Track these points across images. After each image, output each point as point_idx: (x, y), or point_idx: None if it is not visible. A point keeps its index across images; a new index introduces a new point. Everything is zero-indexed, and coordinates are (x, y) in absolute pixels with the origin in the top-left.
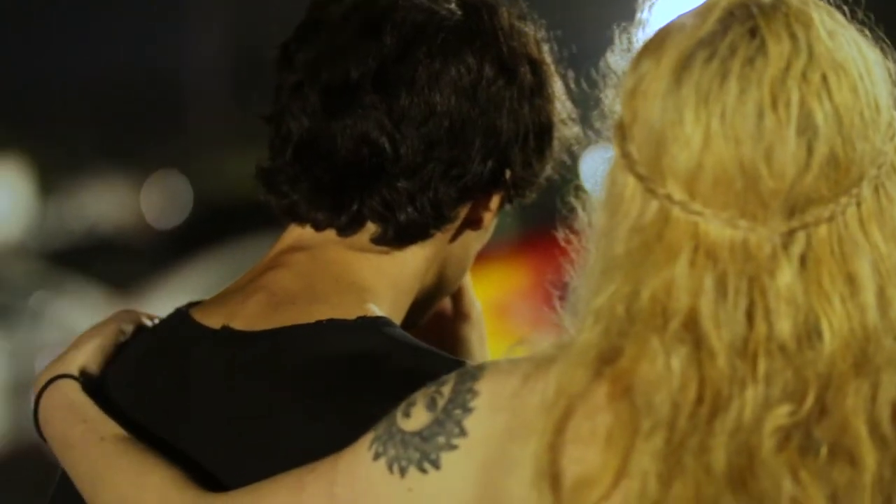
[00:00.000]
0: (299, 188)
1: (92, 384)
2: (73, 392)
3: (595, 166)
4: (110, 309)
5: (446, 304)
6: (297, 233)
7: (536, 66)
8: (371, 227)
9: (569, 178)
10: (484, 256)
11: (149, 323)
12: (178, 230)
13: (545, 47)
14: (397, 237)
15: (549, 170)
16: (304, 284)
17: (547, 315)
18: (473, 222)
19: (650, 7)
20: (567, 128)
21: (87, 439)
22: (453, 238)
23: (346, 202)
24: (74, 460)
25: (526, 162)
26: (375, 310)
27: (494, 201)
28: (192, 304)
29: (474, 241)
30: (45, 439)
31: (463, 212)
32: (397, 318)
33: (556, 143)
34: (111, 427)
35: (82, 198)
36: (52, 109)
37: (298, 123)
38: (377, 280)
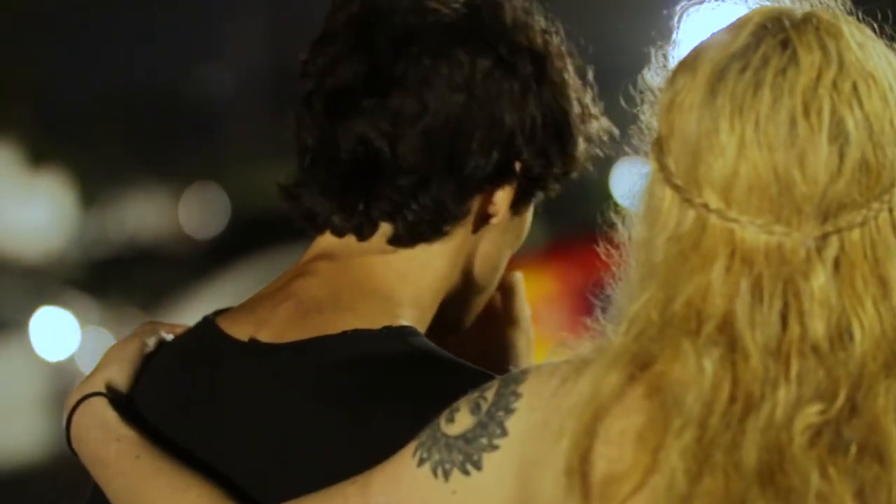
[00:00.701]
0: (312, 194)
1: (121, 400)
2: (104, 410)
3: (625, 180)
4: (147, 317)
5: (496, 306)
6: (324, 242)
7: (540, 59)
8: (386, 229)
9: (597, 189)
10: (512, 265)
11: (170, 336)
12: (215, 240)
13: (556, 41)
14: (410, 236)
15: (577, 165)
16: (330, 292)
17: (574, 321)
18: (487, 216)
19: (684, 27)
20: (591, 123)
21: (121, 458)
22: (476, 235)
23: (353, 204)
24: (109, 478)
25: (539, 153)
26: (401, 317)
27: (506, 194)
28: (219, 312)
29: (502, 237)
30: (77, 456)
31: (473, 206)
32: (424, 320)
33: (578, 136)
34: (145, 445)
35: (122, 209)
36: (92, 123)
37: (310, 133)
38: (400, 284)
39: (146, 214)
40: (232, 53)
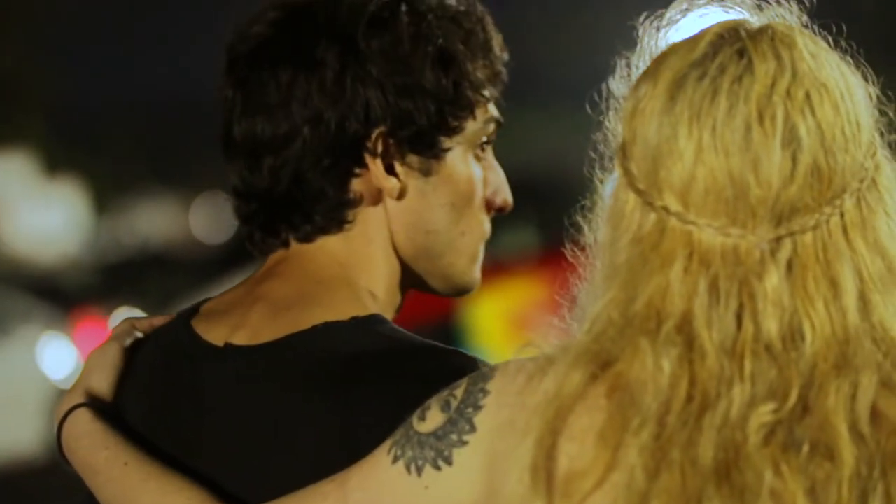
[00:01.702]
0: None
1: (106, 407)
2: (90, 421)
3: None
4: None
5: None
6: (276, 253)
7: (351, 41)
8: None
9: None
10: (505, 272)
11: (141, 334)
12: (223, 246)
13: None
14: (322, 233)
15: (463, 103)
16: (296, 290)
17: (561, 326)
18: (383, 189)
19: (650, 38)
20: (466, 66)
21: (111, 466)
22: (386, 209)
23: (276, 230)
24: (100, 485)
25: (395, 117)
26: (366, 305)
27: (378, 166)
28: (193, 312)
29: (422, 200)
30: (69, 464)
31: (357, 188)
32: (390, 304)
33: (439, 84)
34: (133, 452)
35: (134, 215)
36: (106, 133)
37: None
38: (350, 273)
39: (157, 221)
40: None
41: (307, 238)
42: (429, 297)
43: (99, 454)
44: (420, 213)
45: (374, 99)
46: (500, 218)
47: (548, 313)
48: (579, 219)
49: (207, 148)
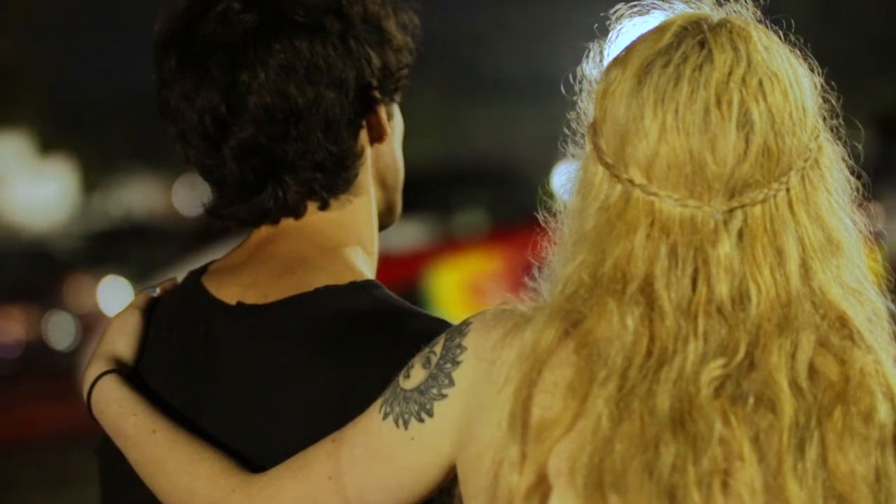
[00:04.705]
0: (231, 205)
1: (129, 372)
2: (118, 388)
3: (563, 177)
4: (140, 283)
5: None
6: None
7: (343, 13)
8: (312, 203)
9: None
10: (461, 247)
11: (159, 292)
12: (198, 219)
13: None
14: (334, 196)
15: (405, 52)
16: (298, 254)
17: (514, 293)
18: (379, 137)
19: (620, 29)
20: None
21: (139, 432)
22: (375, 156)
23: (273, 202)
24: (129, 448)
25: (381, 73)
26: (362, 269)
27: (380, 115)
28: (203, 271)
29: (393, 141)
30: (99, 424)
31: (363, 140)
32: (376, 246)
33: (394, 41)
34: (160, 419)
35: (120, 192)
36: (95, 116)
37: (198, 158)
38: (346, 235)
39: (141, 198)
40: None
41: (324, 204)
42: (394, 267)
43: (127, 420)
44: (391, 153)
45: (371, 55)
46: (457, 200)
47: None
48: (549, 205)
49: None
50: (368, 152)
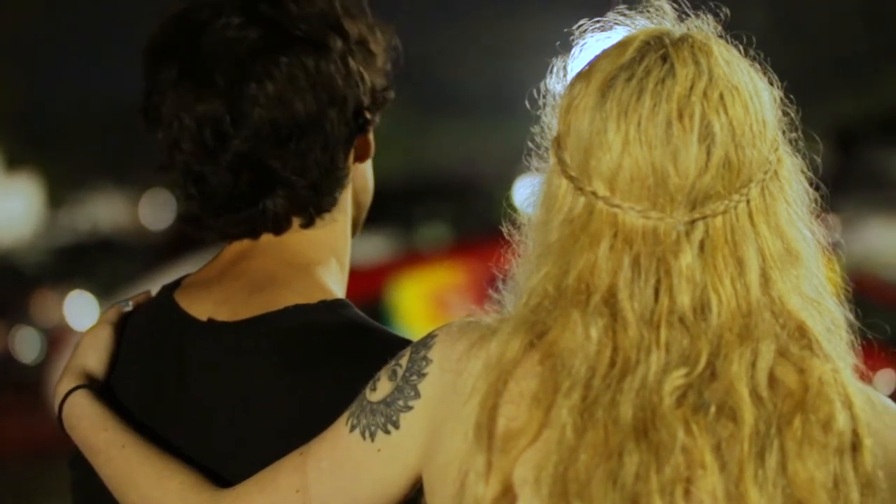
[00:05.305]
0: (215, 217)
1: (101, 387)
2: (89, 403)
3: (524, 191)
4: (106, 298)
5: None
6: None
7: (341, 30)
8: (296, 220)
9: (500, 199)
10: (424, 260)
11: (130, 306)
12: (164, 233)
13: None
14: (319, 214)
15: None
16: (269, 272)
17: (478, 305)
18: (362, 158)
19: (583, 45)
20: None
21: (109, 447)
22: (357, 175)
23: (258, 217)
24: (100, 464)
25: (371, 94)
26: (332, 288)
27: (368, 137)
28: (176, 285)
29: (367, 162)
30: (71, 439)
31: (351, 160)
32: (345, 272)
33: (380, 65)
34: (130, 435)
35: (87, 208)
36: (62, 131)
37: (193, 166)
38: (322, 253)
39: (107, 214)
40: None
41: (309, 221)
42: (358, 281)
43: (98, 435)
44: (366, 173)
45: (364, 75)
46: (420, 214)
47: (461, 295)
48: (511, 218)
49: (155, 150)
50: (352, 172)
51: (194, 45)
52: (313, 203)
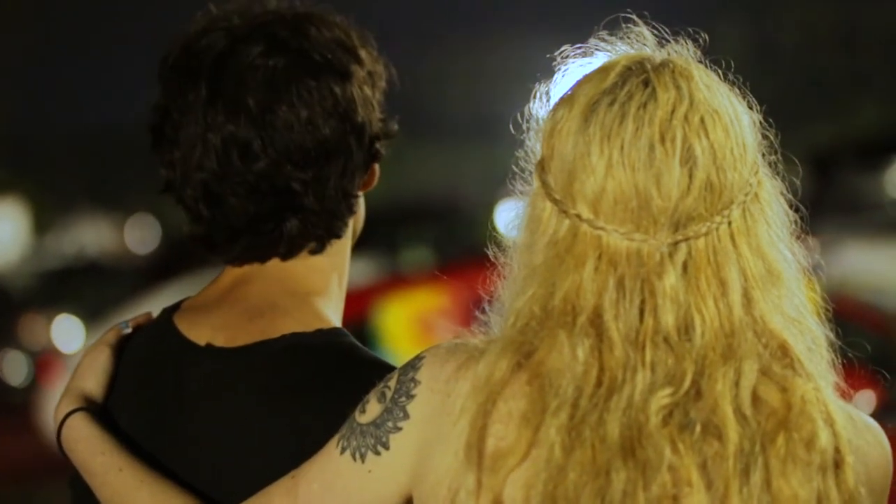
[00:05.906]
0: (225, 237)
1: (99, 409)
2: (87, 426)
3: (505, 215)
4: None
5: None
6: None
7: (355, 54)
8: (306, 246)
9: (483, 223)
10: (408, 283)
11: (129, 329)
12: (149, 258)
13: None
14: (329, 241)
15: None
16: (269, 299)
17: (463, 328)
18: (366, 186)
19: (565, 70)
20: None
21: (106, 470)
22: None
23: (273, 241)
24: (97, 486)
25: (381, 123)
26: (329, 317)
27: (374, 164)
28: (176, 308)
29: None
30: (69, 460)
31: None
32: (342, 300)
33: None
34: (127, 458)
35: (72, 234)
36: (48, 159)
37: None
38: (323, 281)
39: (93, 240)
40: None
41: (319, 247)
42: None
43: (96, 458)
44: (363, 202)
45: (375, 104)
46: (404, 237)
47: (445, 317)
48: (495, 242)
49: (140, 176)
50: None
51: (219, 68)
52: (327, 228)
